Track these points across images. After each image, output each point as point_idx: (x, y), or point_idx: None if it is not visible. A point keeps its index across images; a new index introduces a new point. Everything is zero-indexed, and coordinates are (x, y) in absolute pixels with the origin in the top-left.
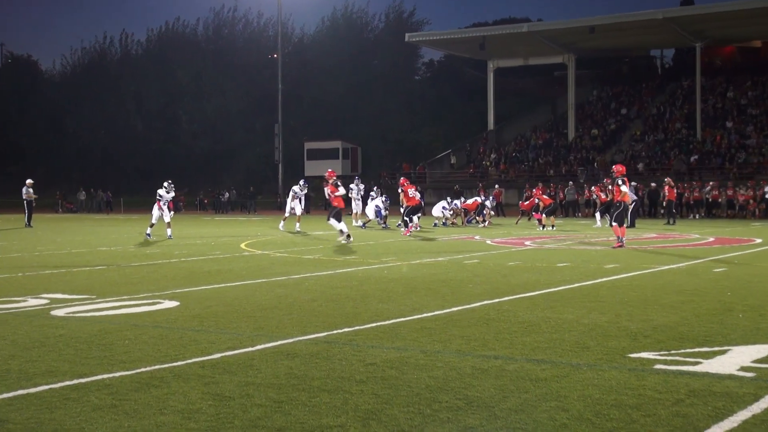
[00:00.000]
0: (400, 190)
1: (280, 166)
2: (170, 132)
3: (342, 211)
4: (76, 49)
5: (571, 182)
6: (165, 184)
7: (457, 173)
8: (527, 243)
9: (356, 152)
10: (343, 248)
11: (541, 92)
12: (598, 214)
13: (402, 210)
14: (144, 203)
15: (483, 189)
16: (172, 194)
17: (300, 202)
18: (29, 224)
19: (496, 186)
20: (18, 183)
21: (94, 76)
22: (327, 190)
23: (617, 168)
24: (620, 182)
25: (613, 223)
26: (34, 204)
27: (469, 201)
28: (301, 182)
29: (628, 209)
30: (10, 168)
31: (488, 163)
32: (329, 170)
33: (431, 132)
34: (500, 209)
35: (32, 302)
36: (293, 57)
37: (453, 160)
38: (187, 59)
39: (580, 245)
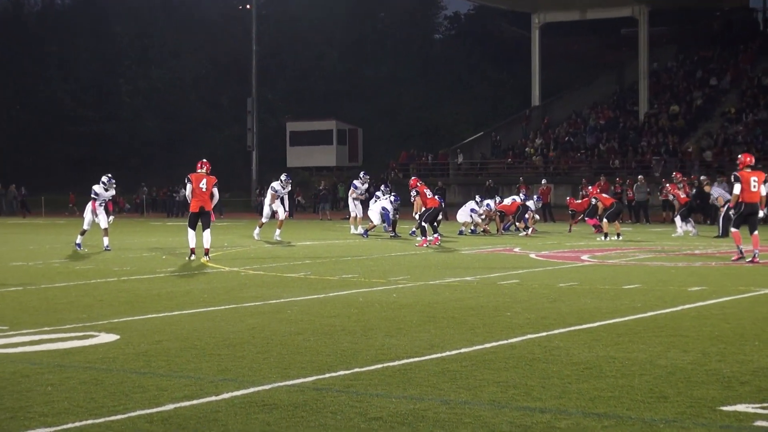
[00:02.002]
0: (414, 193)
1: (254, 153)
2: (107, 108)
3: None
4: None
5: (641, 177)
6: (104, 178)
7: (490, 164)
8: (584, 257)
9: (356, 136)
10: (339, 263)
11: (604, 57)
12: (678, 219)
13: (417, 214)
14: (77, 204)
15: (525, 185)
16: (113, 192)
17: (282, 203)
18: None
19: (543, 181)
20: None
21: (6, 34)
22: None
23: (744, 158)
24: (734, 178)
25: (731, 229)
26: None
27: (507, 201)
28: (283, 177)
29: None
30: None
31: (532, 151)
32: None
33: (456, 109)
34: (548, 212)
35: None
36: (273, 8)
37: (459, 159)
38: (129, 12)
39: (654, 260)
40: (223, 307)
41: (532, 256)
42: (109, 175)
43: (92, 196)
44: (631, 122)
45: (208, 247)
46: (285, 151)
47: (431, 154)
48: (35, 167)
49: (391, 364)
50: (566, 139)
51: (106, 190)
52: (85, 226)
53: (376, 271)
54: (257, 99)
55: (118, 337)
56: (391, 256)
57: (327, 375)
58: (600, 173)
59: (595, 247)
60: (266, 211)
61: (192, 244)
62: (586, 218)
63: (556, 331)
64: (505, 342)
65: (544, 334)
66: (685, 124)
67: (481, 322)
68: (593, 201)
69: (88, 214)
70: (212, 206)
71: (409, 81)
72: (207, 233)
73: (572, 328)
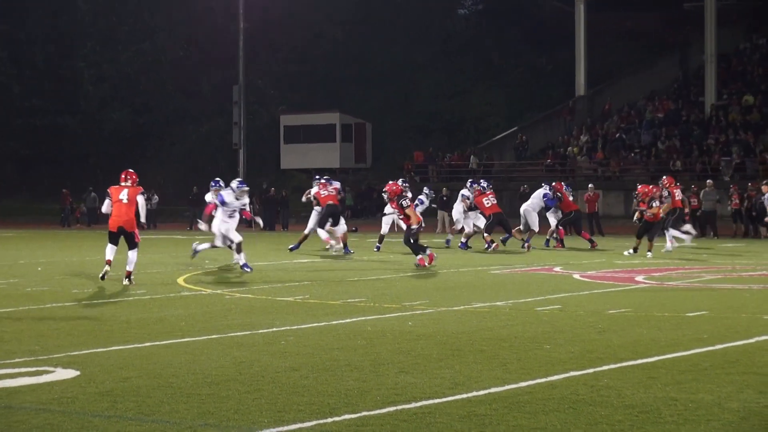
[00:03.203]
0: (467, 197)
1: (241, 152)
2: (65, 98)
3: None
4: None
5: (710, 181)
6: (234, 184)
7: (526, 165)
8: (639, 278)
9: (364, 131)
10: (343, 285)
11: (663, 37)
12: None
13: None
14: (24, 211)
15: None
16: (246, 199)
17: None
18: None
19: (590, 186)
20: None
21: None
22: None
23: None
24: None
25: None
26: None
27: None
28: (234, 184)
29: None
30: None
31: (575, 150)
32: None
33: (483, 100)
34: (595, 222)
35: None
36: None
37: (472, 163)
38: None
39: (724, 282)
40: (203, 338)
41: (576, 276)
42: (239, 180)
43: (217, 202)
44: (695, 116)
45: (131, 269)
46: (278, 149)
47: (449, 154)
48: None
49: (406, 406)
50: (617, 135)
51: (237, 198)
52: (218, 243)
53: (387, 295)
54: (245, 87)
55: (77, 373)
56: (405, 277)
57: (329, 419)
58: (658, 176)
59: (652, 266)
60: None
61: (109, 255)
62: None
63: (605, 368)
64: (544, 380)
65: (591, 371)
66: (760, 118)
67: (515, 357)
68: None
69: (216, 227)
70: (141, 220)
71: (427, 66)
72: (132, 254)
73: (624, 364)
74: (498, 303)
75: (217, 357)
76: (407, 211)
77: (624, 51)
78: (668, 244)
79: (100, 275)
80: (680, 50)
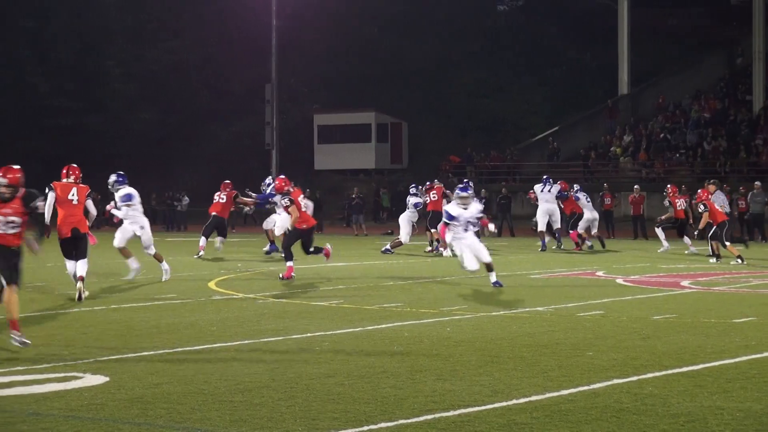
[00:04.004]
0: (285, 202)
1: (274, 152)
2: (92, 96)
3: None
4: None
5: (758, 183)
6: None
7: (567, 166)
8: (684, 283)
9: (400, 131)
10: (379, 289)
11: (709, 33)
12: (660, 231)
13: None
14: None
15: (609, 193)
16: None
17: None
18: None
19: (636, 188)
20: None
21: None
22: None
23: None
24: None
25: None
26: None
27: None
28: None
29: None
30: None
31: (619, 151)
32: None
33: (523, 97)
34: (640, 226)
35: None
36: None
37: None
38: None
39: None
40: (235, 343)
41: (620, 281)
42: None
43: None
44: (742, 115)
45: (83, 274)
46: (311, 149)
47: (488, 153)
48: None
49: (444, 414)
50: (662, 136)
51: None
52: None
53: (425, 299)
54: (278, 86)
55: (107, 379)
56: (443, 281)
57: (365, 428)
58: (704, 178)
59: (698, 271)
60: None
61: (74, 270)
62: (569, 231)
63: (649, 375)
64: (587, 388)
65: (635, 378)
66: None
67: (557, 364)
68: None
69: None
70: (90, 226)
71: (464, 63)
72: (82, 264)
73: (669, 372)
74: (539, 308)
75: (249, 363)
76: (290, 209)
77: (667, 48)
78: (665, 244)
79: (76, 297)
80: (727, 48)
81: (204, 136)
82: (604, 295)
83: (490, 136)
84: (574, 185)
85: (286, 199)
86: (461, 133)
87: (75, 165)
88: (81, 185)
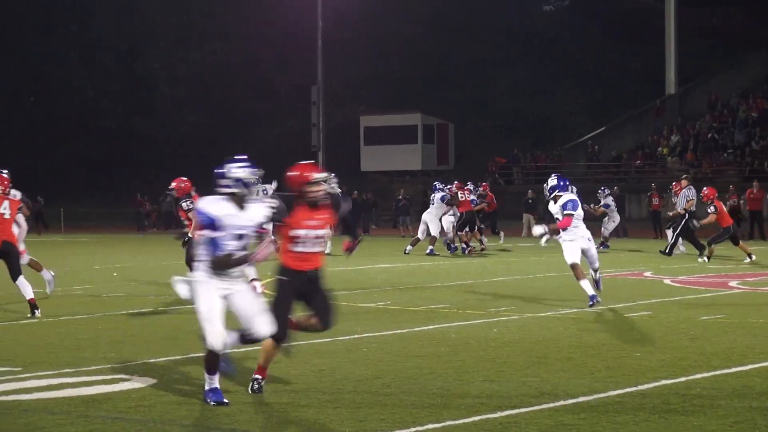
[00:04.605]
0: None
1: (320, 154)
2: (138, 99)
3: None
4: None
5: None
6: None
7: (611, 166)
8: (732, 283)
9: (446, 132)
10: (426, 291)
11: (757, 31)
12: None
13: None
14: (97, 216)
15: (657, 193)
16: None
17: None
18: None
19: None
20: None
21: (14, 9)
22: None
23: None
24: None
25: None
26: None
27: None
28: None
29: None
30: None
31: (666, 151)
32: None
33: (569, 97)
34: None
35: None
36: None
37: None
38: None
39: None
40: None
41: (667, 281)
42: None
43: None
44: None
45: (32, 296)
46: (357, 150)
47: (530, 154)
48: (53, 173)
49: (491, 415)
50: (709, 135)
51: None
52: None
53: (472, 300)
54: (324, 87)
55: (154, 381)
56: (491, 282)
57: (412, 429)
58: (752, 178)
59: (747, 271)
60: None
61: (28, 294)
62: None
63: (697, 376)
64: (634, 389)
65: (683, 379)
66: None
67: (604, 365)
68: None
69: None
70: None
71: (510, 64)
72: (22, 282)
73: (718, 372)
74: (586, 309)
75: (297, 365)
76: (190, 215)
77: (715, 48)
78: (681, 247)
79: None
80: None
81: (250, 138)
82: (651, 295)
83: (536, 136)
84: (604, 189)
85: (188, 203)
86: (507, 133)
87: (4, 174)
88: (12, 200)
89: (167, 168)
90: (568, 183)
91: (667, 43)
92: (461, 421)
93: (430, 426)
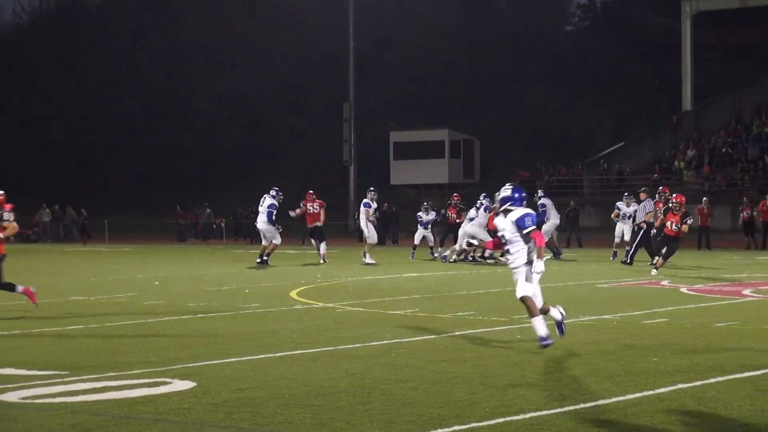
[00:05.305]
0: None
1: (351, 168)
2: (180, 116)
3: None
4: None
5: None
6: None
7: (631, 180)
8: (746, 291)
9: (472, 147)
10: (452, 299)
11: None
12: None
13: None
14: (142, 228)
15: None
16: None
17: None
18: None
19: (704, 200)
20: None
21: (66, 30)
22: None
23: None
24: None
25: None
26: None
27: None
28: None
29: None
30: None
31: (682, 165)
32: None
33: (591, 113)
34: (705, 237)
35: None
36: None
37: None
38: (204, 4)
39: None
40: (315, 350)
41: (683, 290)
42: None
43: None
44: None
45: None
46: (387, 165)
47: (552, 168)
48: (98, 186)
49: (514, 418)
50: (723, 150)
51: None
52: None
53: (496, 308)
54: (355, 105)
55: (194, 384)
56: (513, 290)
57: (439, 430)
58: (765, 191)
59: (760, 280)
60: (368, 232)
61: None
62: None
63: (712, 380)
64: (651, 392)
65: (698, 383)
66: None
67: (623, 369)
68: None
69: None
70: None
71: (534, 81)
72: None
73: (732, 377)
74: (605, 316)
75: (329, 369)
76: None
77: (729, 66)
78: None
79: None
80: None
81: (284, 153)
82: (668, 303)
83: (558, 151)
84: (629, 194)
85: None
86: (530, 148)
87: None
88: None
89: (206, 182)
90: (524, 195)
91: (684, 61)
92: (486, 423)
93: (456, 427)
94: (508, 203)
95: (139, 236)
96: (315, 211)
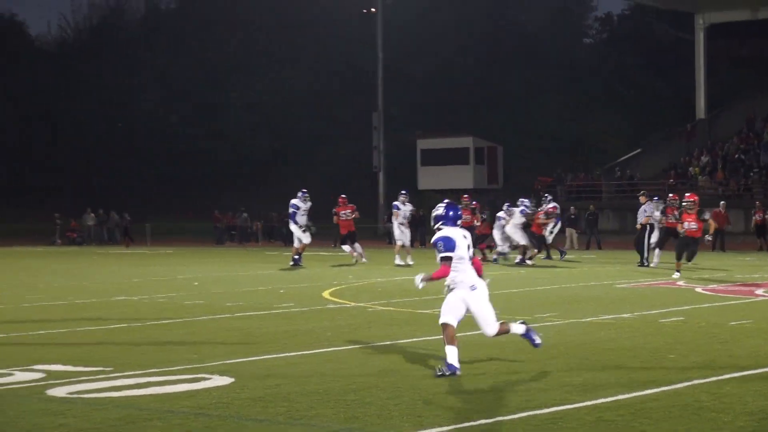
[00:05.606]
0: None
1: (380, 175)
2: (213, 124)
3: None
4: (81, 5)
5: None
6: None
7: (647, 185)
8: (759, 291)
9: (495, 154)
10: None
11: None
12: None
13: None
14: (182, 231)
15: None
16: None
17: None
18: None
19: (722, 203)
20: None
21: (107, 44)
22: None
23: None
24: None
25: None
26: None
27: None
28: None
29: None
30: None
31: (696, 171)
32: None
33: (607, 123)
34: (720, 240)
35: (20, 377)
36: (399, 11)
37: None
38: (237, 17)
39: None
40: (348, 348)
41: (698, 290)
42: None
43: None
44: None
45: None
46: (414, 171)
47: (572, 173)
48: (137, 190)
49: (537, 412)
50: (736, 156)
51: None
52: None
53: (519, 307)
54: (384, 113)
55: (232, 380)
56: (536, 290)
57: (465, 424)
58: None
59: None
60: (398, 234)
61: None
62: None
63: (727, 376)
64: (669, 388)
65: (714, 379)
66: None
67: (640, 366)
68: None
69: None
70: None
71: (555, 91)
72: None
73: (746, 373)
74: (624, 315)
75: (360, 366)
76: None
77: (741, 76)
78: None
79: None
80: None
81: (314, 159)
82: (684, 302)
83: (577, 157)
84: (656, 198)
85: None
86: (551, 155)
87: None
88: None
89: (241, 187)
90: (459, 214)
91: (697, 72)
92: (510, 417)
93: (482, 421)
94: (440, 222)
95: (179, 239)
96: (348, 218)
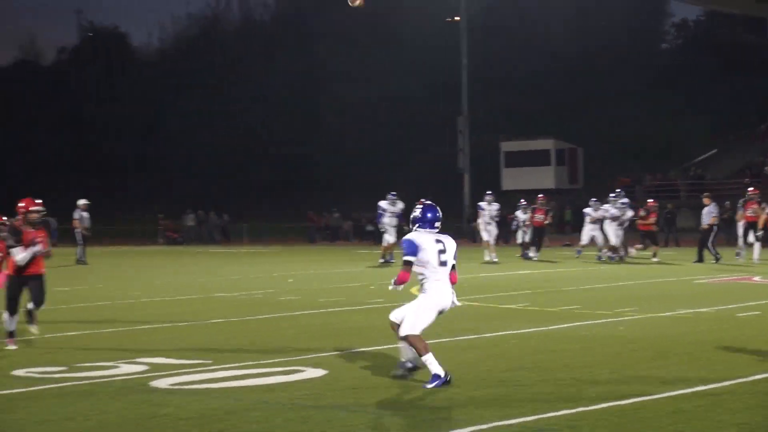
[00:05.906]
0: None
1: (466, 176)
2: (308, 130)
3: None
4: (180, 17)
5: None
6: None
7: (727, 185)
8: None
9: (576, 156)
10: (560, 294)
11: None
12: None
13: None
14: (276, 231)
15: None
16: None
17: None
18: (83, 259)
19: None
20: (105, 199)
21: (205, 53)
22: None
23: None
24: None
25: None
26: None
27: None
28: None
29: None
30: (92, 181)
31: None
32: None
33: (685, 125)
34: None
35: (125, 369)
36: (483, 20)
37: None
38: (332, 27)
39: None
40: (435, 341)
41: None
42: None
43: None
44: None
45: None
46: (498, 172)
47: (650, 174)
48: (237, 193)
49: (618, 403)
50: None
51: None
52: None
53: (600, 302)
54: (468, 118)
55: (325, 372)
56: (617, 286)
57: (548, 414)
58: None
59: None
60: (486, 234)
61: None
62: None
63: None
64: (746, 380)
65: None
66: None
67: (718, 358)
68: None
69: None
70: None
71: (633, 95)
72: None
73: None
74: (702, 309)
75: (447, 358)
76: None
77: None
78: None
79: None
80: None
81: (403, 162)
82: (760, 297)
83: (655, 158)
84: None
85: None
86: (630, 156)
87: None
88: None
89: (334, 188)
90: (437, 215)
91: None
92: (591, 408)
93: (565, 411)
94: (417, 225)
95: (274, 238)
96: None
